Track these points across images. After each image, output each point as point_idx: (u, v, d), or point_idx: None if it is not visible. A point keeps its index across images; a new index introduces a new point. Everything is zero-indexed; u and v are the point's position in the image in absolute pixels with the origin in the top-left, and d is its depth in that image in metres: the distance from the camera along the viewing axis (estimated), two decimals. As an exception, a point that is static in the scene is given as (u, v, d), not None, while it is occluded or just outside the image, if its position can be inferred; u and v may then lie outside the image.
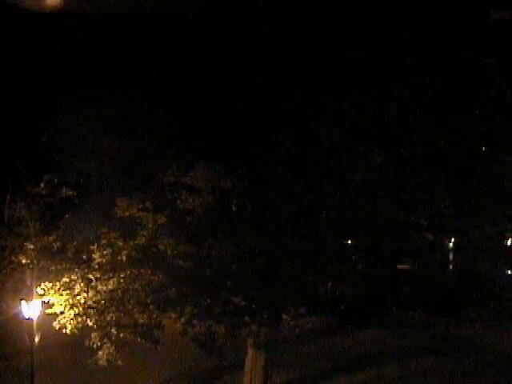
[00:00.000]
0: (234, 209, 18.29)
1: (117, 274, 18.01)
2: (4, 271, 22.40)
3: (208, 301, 17.92)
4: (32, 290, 20.02)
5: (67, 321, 18.23)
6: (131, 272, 18.01)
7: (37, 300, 19.97)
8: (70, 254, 18.80)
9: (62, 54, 19.41)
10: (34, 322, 20.77)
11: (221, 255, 17.99)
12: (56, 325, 18.49)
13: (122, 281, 18.01)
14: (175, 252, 17.90)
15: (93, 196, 19.21)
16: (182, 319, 18.09)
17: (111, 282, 18.03)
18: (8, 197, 22.18)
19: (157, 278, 18.01)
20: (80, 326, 18.26)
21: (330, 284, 18.15)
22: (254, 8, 17.80)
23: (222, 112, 17.95)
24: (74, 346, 23.05)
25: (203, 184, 17.83)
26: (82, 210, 19.34)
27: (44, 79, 20.77)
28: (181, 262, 18.01)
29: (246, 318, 18.66)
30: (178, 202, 18.03)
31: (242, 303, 18.28)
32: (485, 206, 17.75)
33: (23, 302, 20.61)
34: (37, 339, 21.12)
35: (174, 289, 17.81)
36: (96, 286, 18.14)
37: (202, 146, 18.00)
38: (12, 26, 22.82)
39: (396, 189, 17.69)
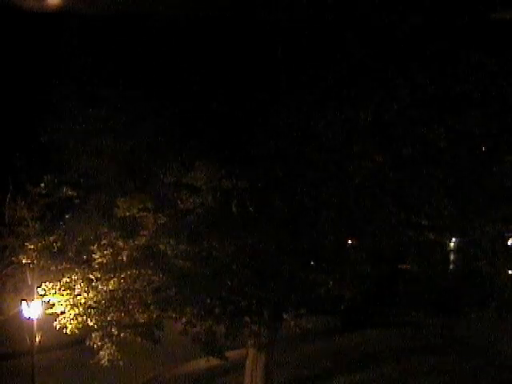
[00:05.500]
0: (234, 209, 18.25)
1: (117, 274, 18.02)
2: (4, 271, 22.41)
3: (208, 301, 17.91)
4: (33, 290, 20.06)
5: (68, 321, 18.24)
6: (132, 272, 18.01)
7: (37, 300, 20.02)
8: (70, 254, 18.82)
9: (62, 53, 19.40)
10: (35, 322, 20.81)
11: (221, 255, 17.99)
12: (57, 325, 18.49)
13: (122, 281, 18.02)
14: (176, 252, 17.86)
15: (93, 196, 19.17)
16: (183, 319, 18.14)
17: (112, 282, 18.03)
18: (8, 197, 22.17)
19: (157, 278, 18.00)
20: (80, 325, 18.27)
21: (330, 284, 18.12)
22: (253, 6, 17.79)
23: (222, 112, 17.93)
24: (74, 345, 23.10)
25: (204, 184, 17.78)
26: (82, 209, 19.31)
27: (44, 79, 20.77)
28: (181, 262, 17.99)
29: (247, 318, 18.68)
30: (179, 202, 17.99)
31: (243, 303, 18.29)
32: (485, 206, 17.75)
33: (24, 302, 20.65)
34: (37, 339, 21.15)
35: (174, 289, 17.79)
36: (97, 286, 18.15)
37: (203, 145, 17.98)
38: (12, 26, 22.88)
39: (396, 188, 17.68)
